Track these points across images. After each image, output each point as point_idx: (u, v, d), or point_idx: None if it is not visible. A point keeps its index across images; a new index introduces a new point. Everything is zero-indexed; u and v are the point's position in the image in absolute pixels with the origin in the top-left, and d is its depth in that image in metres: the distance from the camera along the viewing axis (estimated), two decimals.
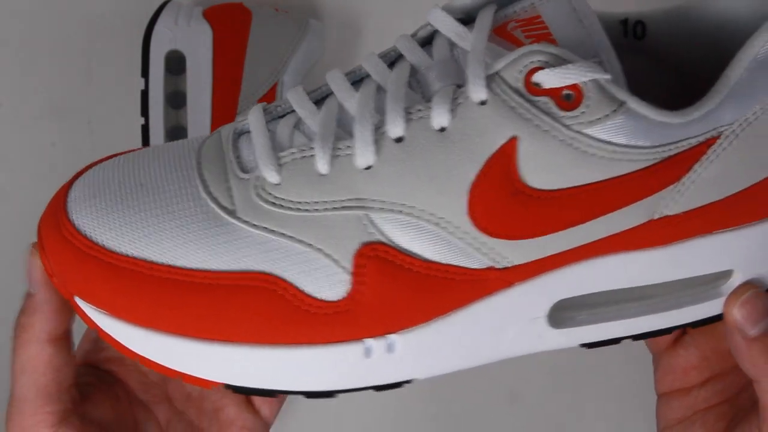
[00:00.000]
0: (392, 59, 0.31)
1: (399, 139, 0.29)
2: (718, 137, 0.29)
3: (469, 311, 0.30)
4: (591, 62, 0.28)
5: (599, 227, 0.30)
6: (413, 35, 0.31)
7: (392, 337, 0.30)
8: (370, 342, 0.30)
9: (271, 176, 0.29)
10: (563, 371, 0.55)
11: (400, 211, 0.29)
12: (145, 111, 0.50)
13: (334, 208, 0.29)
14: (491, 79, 0.28)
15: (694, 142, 0.29)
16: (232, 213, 0.29)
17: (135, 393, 0.34)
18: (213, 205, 0.29)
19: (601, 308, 0.32)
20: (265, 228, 0.29)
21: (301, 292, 0.29)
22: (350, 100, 0.30)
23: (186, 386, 0.35)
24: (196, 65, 0.50)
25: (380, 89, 0.30)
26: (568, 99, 0.28)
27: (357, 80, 0.31)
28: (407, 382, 0.31)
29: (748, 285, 0.32)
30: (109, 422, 0.32)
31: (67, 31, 0.54)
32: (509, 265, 0.30)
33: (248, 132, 0.31)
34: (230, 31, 0.51)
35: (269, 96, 0.51)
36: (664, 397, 0.36)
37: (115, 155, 0.32)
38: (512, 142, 0.28)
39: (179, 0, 0.52)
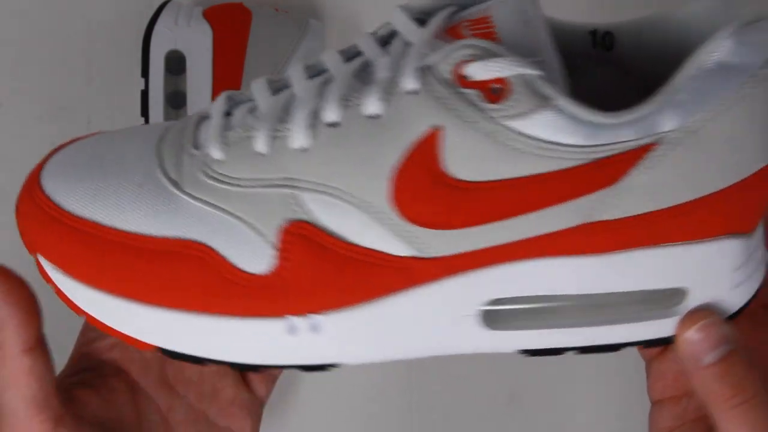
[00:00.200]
0: (351, 55, 0.32)
1: (333, 124, 0.30)
2: (657, 143, 0.29)
3: (394, 300, 0.30)
4: (520, 58, 0.28)
5: (528, 225, 0.29)
6: (374, 33, 0.32)
7: (317, 317, 0.31)
8: (294, 319, 0.31)
9: (216, 153, 0.31)
10: (563, 371, 0.55)
11: (328, 193, 0.30)
12: (145, 111, 0.50)
13: (267, 185, 0.30)
14: (424, 71, 0.29)
15: (630, 145, 0.28)
16: (177, 185, 0.31)
17: (136, 381, 0.34)
18: (163, 177, 0.31)
19: (540, 314, 0.31)
20: (204, 201, 0.30)
21: (230, 263, 0.30)
22: (300, 87, 0.31)
23: (185, 371, 0.35)
24: (196, 65, 0.50)
25: (331, 80, 0.31)
26: (496, 92, 0.28)
27: (316, 74, 0.32)
28: (334, 366, 0.32)
29: (705, 311, 0.31)
30: (108, 417, 0.33)
31: (67, 31, 0.54)
32: (434, 255, 0.30)
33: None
34: (230, 31, 0.51)
35: None
36: (657, 404, 0.35)
37: (99, 132, 0.35)
38: (436, 131, 0.29)
39: (179, 0, 0.52)
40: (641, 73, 0.33)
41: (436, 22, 0.30)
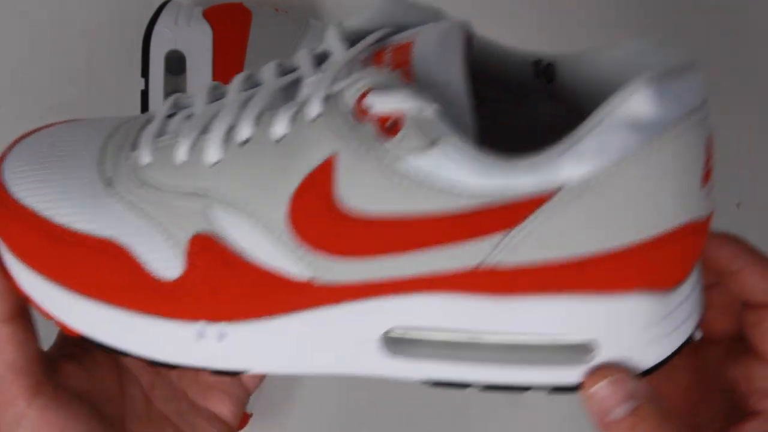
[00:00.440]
0: (287, 69, 0.32)
1: (244, 142, 0.30)
2: (557, 192, 0.27)
3: (296, 317, 0.31)
4: (419, 92, 0.27)
5: (420, 263, 0.29)
6: (313, 49, 0.32)
7: (223, 325, 0.31)
8: (202, 325, 0.31)
9: (146, 157, 0.31)
10: None
11: (235, 209, 0.30)
12: (145, 111, 0.50)
13: (183, 195, 0.31)
14: (330, 98, 0.29)
15: (528, 192, 0.27)
16: (110, 184, 0.32)
17: (120, 358, 0.36)
18: (99, 175, 0.32)
19: (443, 347, 0.31)
20: (129, 202, 0.31)
21: (143, 266, 0.31)
22: (229, 99, 0.31)
23: None
24: (196, 65, 0.50)
25: (257, 94, 0.31)
26: (391, 126, 0.28)
27: (252, 85, 0.32)
28: (242, 372, 0.33)
29: (614, 367, 0.30)
30: (90, 389, 0.34)
31: (67, 31, 0.54)
32: (330, 281, 0.30)
33: None
34: (230, 31, 0.51)
35: None
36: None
37: (68, 121, 0.36)
38: (332, 159, 0.28)
39: (179, 0, 0.52)
40: (581, 108, 0.31)
41: (362, 45, 0.30)
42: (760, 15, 0.57)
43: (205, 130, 0.31)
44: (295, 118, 0.29)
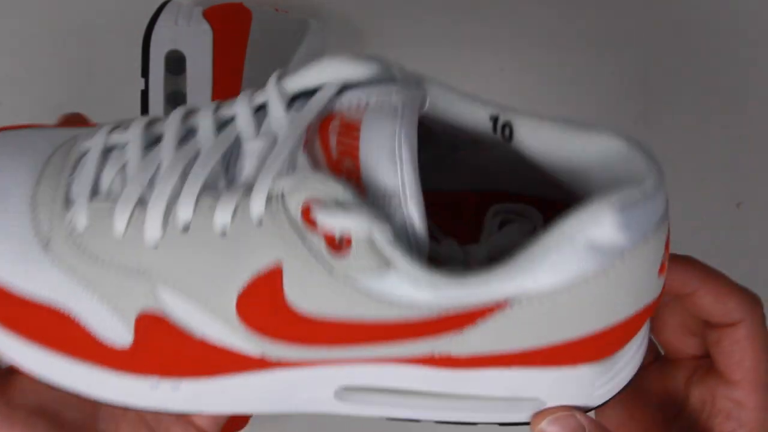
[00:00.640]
0: (224, 121, 0.29)
1: (185, 227, 0.28)
2: (507, 304, 0.27)
3: (248, 376, 0.30)
4: (366, 212, 0.26)
5: (375, 351, 0.29)
6: (253, 95, 0.29)
7: (176, 380, 0.31)
8: (155, 380, 0.31)
9: (81, 219, 0.29)
10: None
11: (182, 292, 0.29)
12: (145, 111, 0.50)
13: (126, 271, 0.29)
14: (272, 199, 0.27)
15: (482, 303, 0.27)
16: (47, 245, 0.29)
17: None
18: (34, 230, 0.30)
19: (394, 395, 0.31)
20: (70, 267, 0.29)
21: (90, 333, 0.30)
22: (167, 158, 0.29)
23: None
24: (196, 65, 0.50)
25: (198, 156, 0.29)
26: (340, 242, 0.26)
27: (188, 131, 0.30)
28: (200, 413, 0.33)
29: (561, 407, 0.31)
30: (50, 398, 0.33)
31: (67, 30, 0.54)
32: (285, 358, 0.29)
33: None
34: (230, 31, 0.51)
35: None
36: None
37: (27, 126, 0.33)
38: (280, 265, 0.27)
39: (179, 0, 0.52)
40: (542, 168, 0.30)
41: (304, 118, 0.28)
42: (760, 15, 0.57)
43: (142, 200, 0.29)
44: (238, 213, 0.27)
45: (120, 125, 0.31)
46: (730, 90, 0.56)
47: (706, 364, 0.34)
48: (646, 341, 0.32)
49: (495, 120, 0.29)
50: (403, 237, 0.26)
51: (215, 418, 0.36)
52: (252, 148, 0.28)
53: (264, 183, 0.27)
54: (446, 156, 0.32)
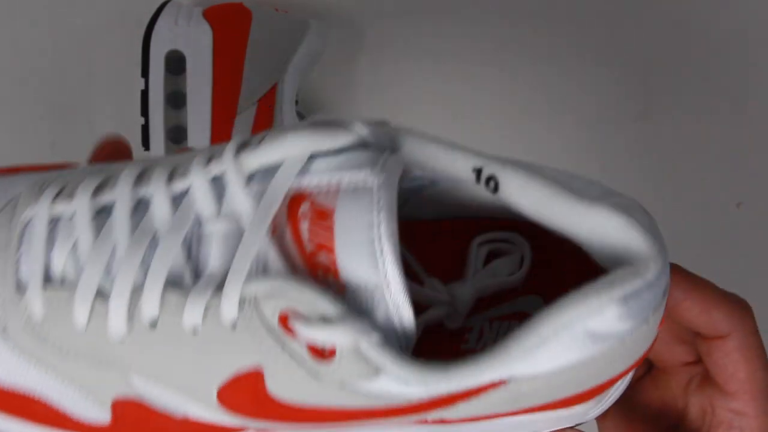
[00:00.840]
0: (179, 194, 0.27)
1: (153, 323, 0.26)
2: (502, 383, 0.26)
3: None
4: (352, 323, 0.24)
5: (362, 426, 0.28)
6: (207, 161, 0.26)
7: None
8: None
9: (37, 308, 0.27)
10: None
11: (157, 380, 0.27)
12: (145, 111, 0.50)
13: (94, 362, 0.27)
14: (246, 302, 0.25)
15: (473, 386, 0.26)
16: (4, 329, 0.27)
17: None
18: None
19: None
20: (33, 356, 0.27)
21: (67, 415, 0.28)
22: (121, 240, 0.26)
23: None
24: (196, 65, 0.50)
25: (154, 237, 0.26)
26: (323, 351, 0.25)
27: (139, 202, 0.27)
28: None
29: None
30: None
31: (67, 30, 0.54)
32: (268, 428, 0.28)
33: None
34: (230, 31, 0.51)
35: (269, 96, 0.51)
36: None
37: None
38: (259, 369, 0.25)
39: (179, 0, 0.52)
40: (530, 219, 0.28)
41: (272, 196, 0.25)
42: (760, 15, 0.57)
43: (101, 292, 0.26)
44: (209, 315, 0.25)
45: (63, 189, 0.28)
46: (730, 90, 0.56)
47: (702, 371, 0.33)
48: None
49: (478, 172, 0.27)
50: (390, 331, 0.25)
51: None
52: (214, 231, 0.26)
53: (234, 287, 0.25)
54: (426, 187, 0.31)
